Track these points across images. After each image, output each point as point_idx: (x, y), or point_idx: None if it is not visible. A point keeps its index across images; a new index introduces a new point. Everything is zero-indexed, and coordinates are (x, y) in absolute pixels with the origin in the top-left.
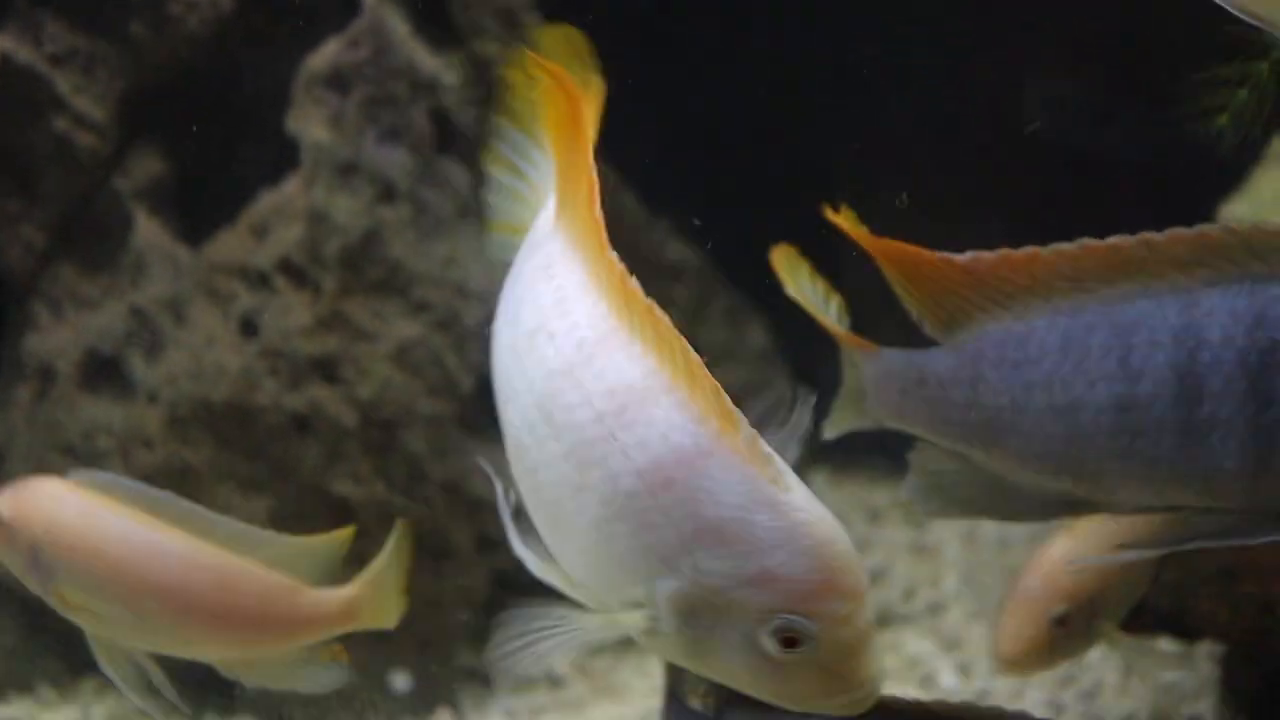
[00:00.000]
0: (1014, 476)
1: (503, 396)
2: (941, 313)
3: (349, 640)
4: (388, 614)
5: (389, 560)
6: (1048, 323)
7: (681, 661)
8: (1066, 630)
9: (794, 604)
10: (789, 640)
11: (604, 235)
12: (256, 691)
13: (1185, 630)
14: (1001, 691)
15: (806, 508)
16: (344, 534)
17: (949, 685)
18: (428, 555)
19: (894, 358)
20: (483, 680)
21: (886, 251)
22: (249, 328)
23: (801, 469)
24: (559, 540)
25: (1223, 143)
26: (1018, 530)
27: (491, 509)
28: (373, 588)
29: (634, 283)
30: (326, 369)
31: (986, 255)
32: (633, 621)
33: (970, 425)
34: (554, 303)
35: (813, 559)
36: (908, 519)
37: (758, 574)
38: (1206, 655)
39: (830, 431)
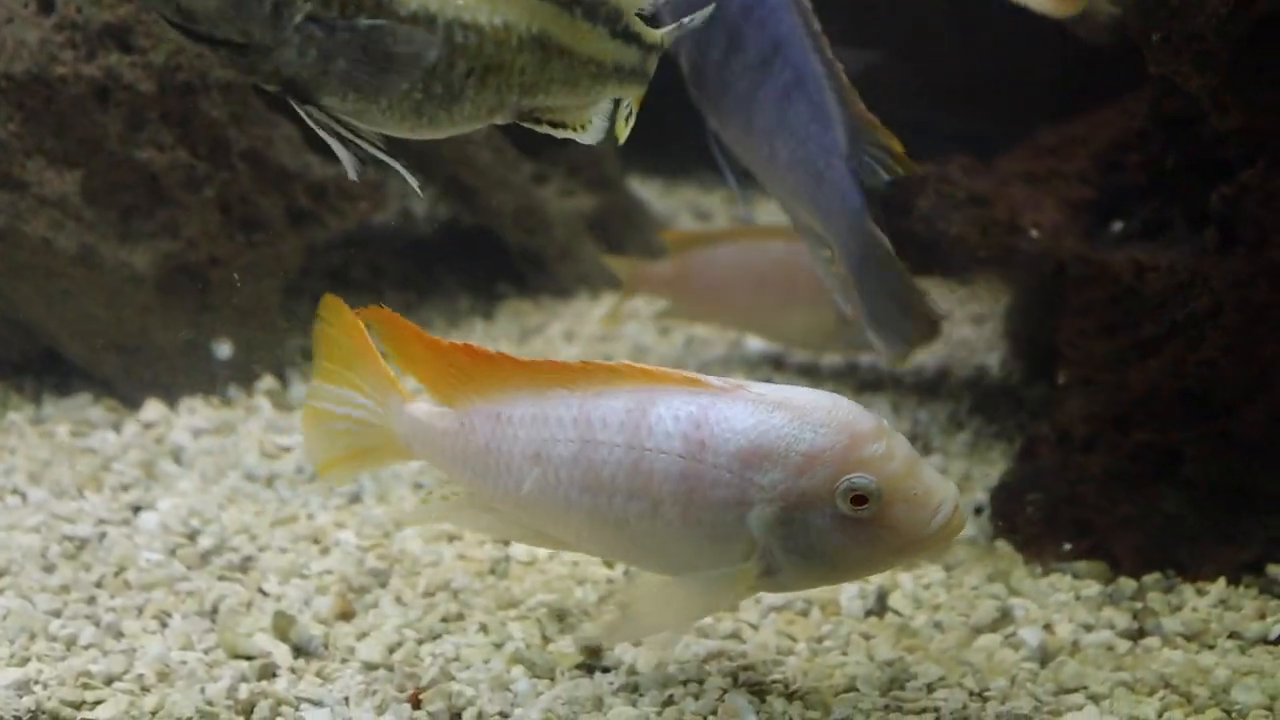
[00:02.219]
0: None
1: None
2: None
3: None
4: None
5: None
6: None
7: (805, 584)
8: None
9: (843, 467)
10: (858, 498)
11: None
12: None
13: (941, 257)
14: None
15: (801, 395)
16: None
17: (753, 347)
18: (238, 225)
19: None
20: (307, 354)
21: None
22: (47, 3)
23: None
24: (671, 562)
25: None
26: None
27: (298, 179)
28: None
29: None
30: (121, 37)
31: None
32: (752, 571)
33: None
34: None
35: (830, 426)
36: (733, 219)
37: (802, 462)
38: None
39: None
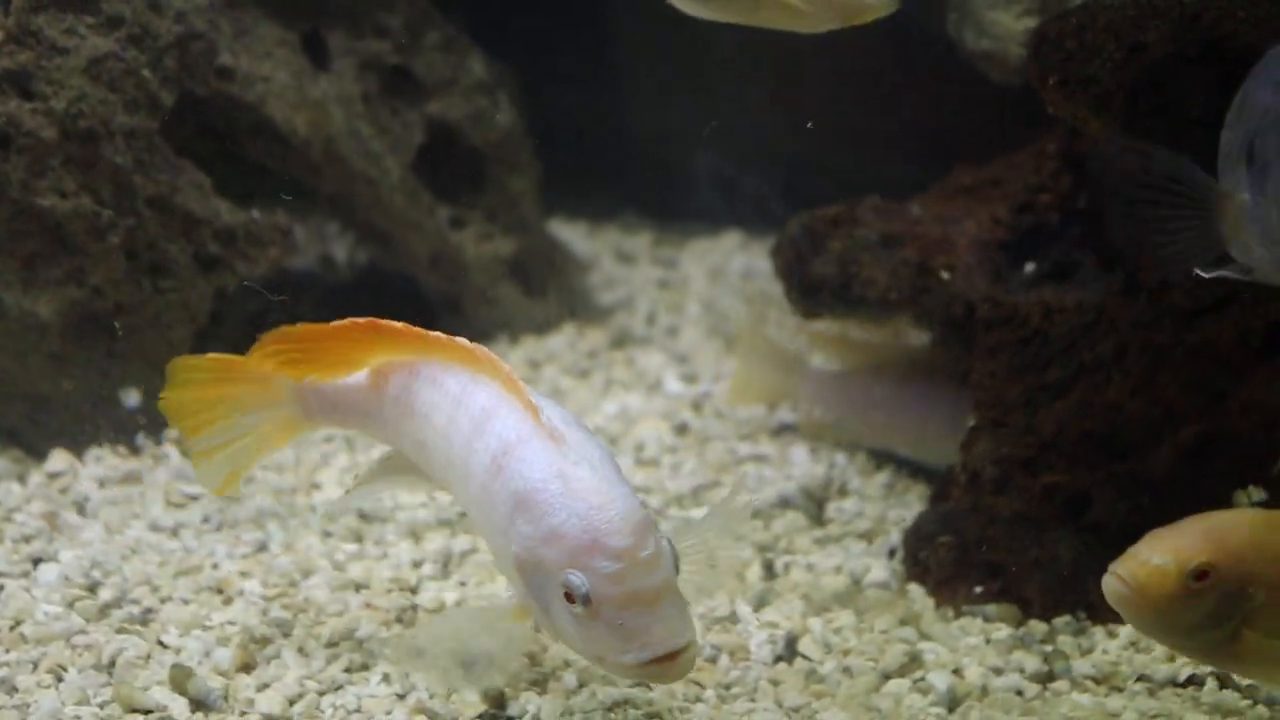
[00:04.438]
0: None
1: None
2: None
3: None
4: None
5: None
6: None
7: (547, 633)
8: None
9: (570, 559)
10: (570, 595)
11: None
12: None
13: (856, 298)
14: (722, 393)
15: (590, 479)
16: None
17: (672, 390)
18: (145, 272)
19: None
20: None
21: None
22: None
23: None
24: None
25: None
26: (761, 263)
27: (206, 225)
28: None
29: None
30: (21, 83)
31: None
32: (517, 608)
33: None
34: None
35: (584, 519)
36: (656, 262)
37: (548, 533)
38: None
39: None
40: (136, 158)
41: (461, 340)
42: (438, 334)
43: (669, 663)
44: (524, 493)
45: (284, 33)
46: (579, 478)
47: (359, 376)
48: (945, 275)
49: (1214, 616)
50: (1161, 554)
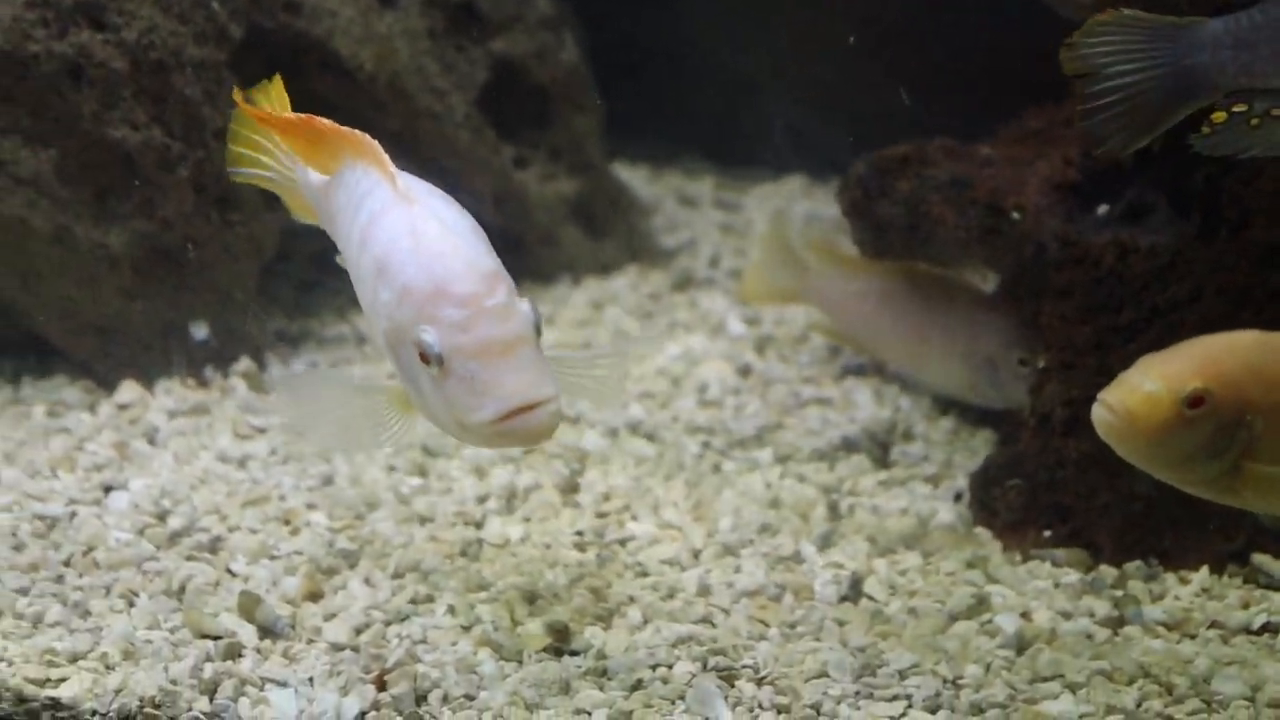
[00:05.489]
0: None
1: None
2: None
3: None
4: None
5: None
6: None
7: (425, 417)
8: None
9: (419, 314)
10: (423, 355)
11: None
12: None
13: (924, 240)
14: (784, 336)
15: (437, 232)
16: None
17: (735, 332)
18: (214, 206)
19: None
20: (286, 338)
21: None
22: None
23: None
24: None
25: None
26: (826, 210)
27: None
28: None
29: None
30: (93, 14)
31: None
32: (393, 388)
33: None
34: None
35: (428, 270)
36: (719, 205)
37: (400, 292)
38: None
39: None
40: (206, 90)
41: (345, 130)
42: (326, 124)
43: (525, 416)
44: (380, 257)
45: None
46: (426, 232)
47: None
48: (1016, 216)
49: (1211, 447)
50: (1153, 380)
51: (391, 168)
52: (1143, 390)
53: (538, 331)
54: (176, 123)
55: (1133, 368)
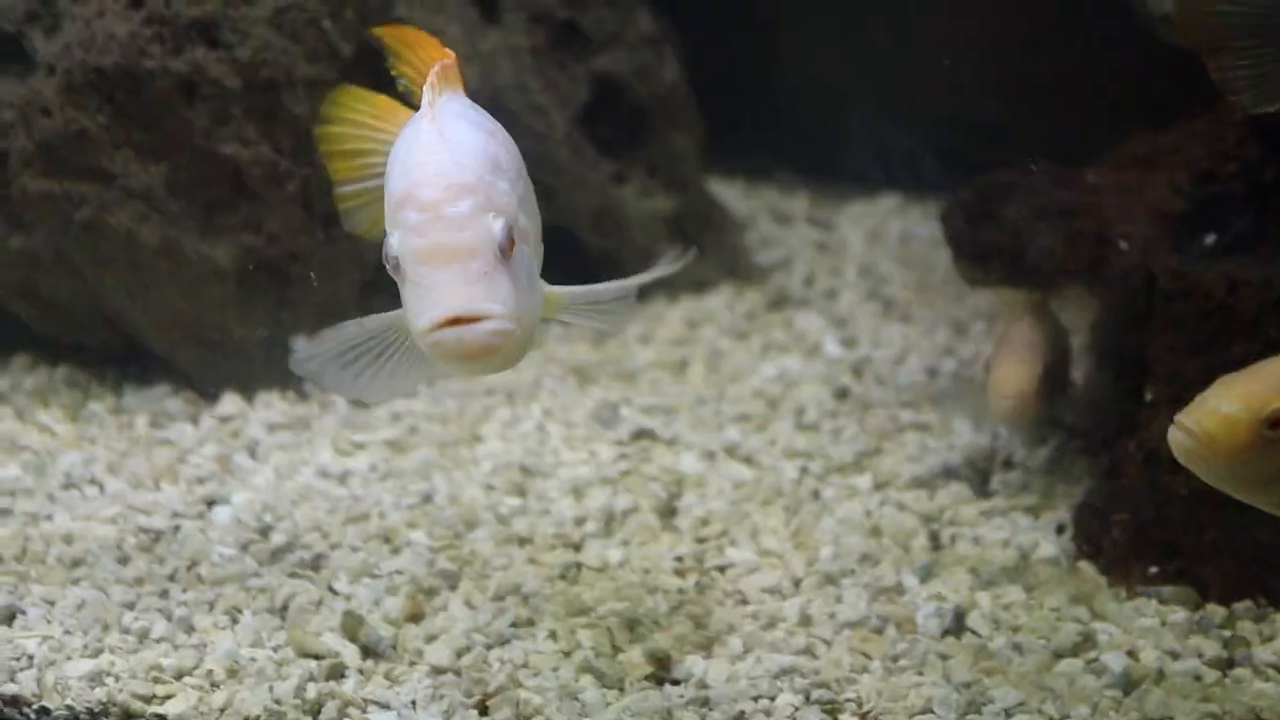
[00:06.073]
0: None
1: None
2: None
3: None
4: None
5: None
6: None
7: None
8: None
9: (392, 220)
10: (392, 260)
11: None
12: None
13: (1028, 268)
14: (882, 358)
15: (431, 142)
16: None
17: (832, 354)
18: (318, 221)
19: None
20: None
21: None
22: None
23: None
24: None
25: None
26: (921, 229)
27: None
28: None
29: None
30: (208, 32)
31: None
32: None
33: None
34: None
35: (407, 175)
36: (813, 223)
37: (389, 200)
38: None
39: None
40: (316, 108)
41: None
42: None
43: (464, 329)
44: (389, 169)
45: None
46: (421, 145)
47: None
48: (1124, 245)
49: None
50: (1232, 401)
51: (441, 93)
52: (1221, 412)
53: (503, 252)
54: (285, 139)
55: (1210, 389)
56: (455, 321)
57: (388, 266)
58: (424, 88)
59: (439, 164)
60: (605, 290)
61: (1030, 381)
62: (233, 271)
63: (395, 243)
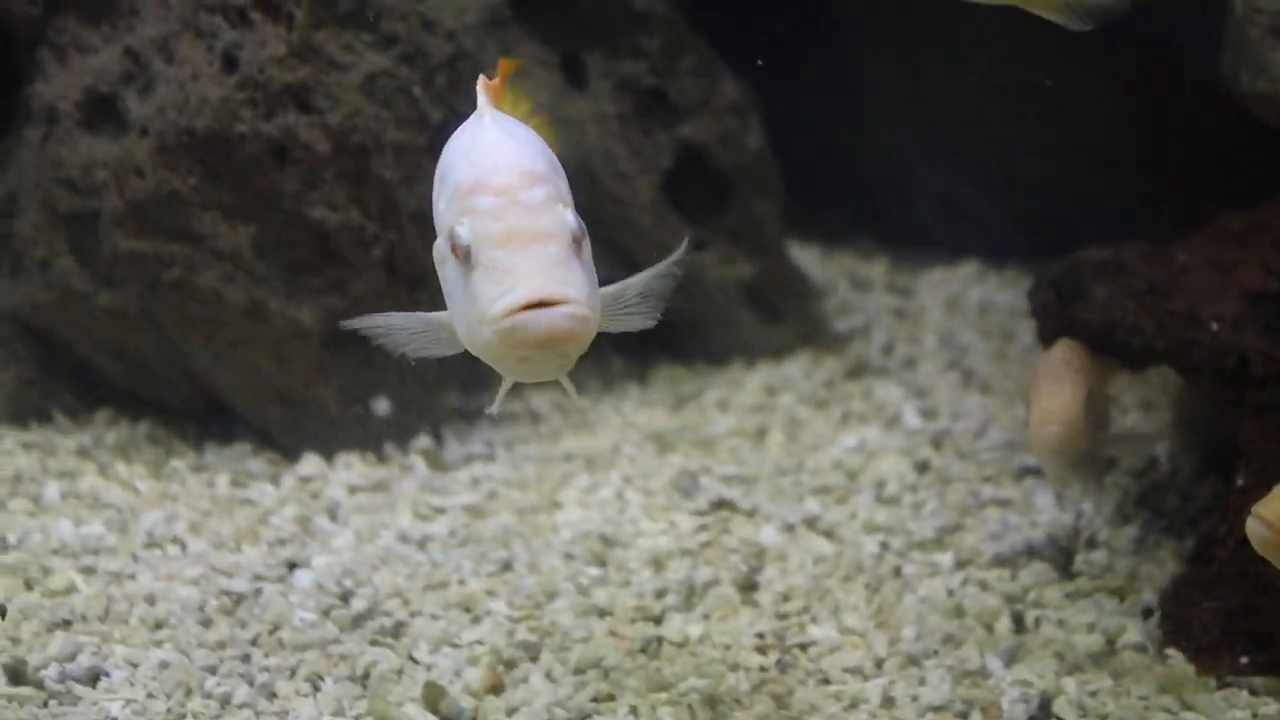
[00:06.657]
0: None
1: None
2: None
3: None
4: None
5: None
6: None
7: (463, 339)
8: None
9: (460, 209)
10: (455, 248)
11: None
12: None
13: (1115, 345)
14: (962, 431)
15: (496, 137)
16: None
17: (912, 425)
18: (403, 285)
19: None
20: (463, 414)
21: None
22: (231, 62)
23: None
24: None
25: None
26: (1000, 297)
27: None
28: None
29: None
30: (300, 97)
31: None
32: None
33: None
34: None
35: (474, 166)
36: (891, 290)
37: (449, 196)
38: None
39: None
40: (404, 173)
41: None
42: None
43: (540, 313)
44: (443, 169)
45: (545, 52)
46: (484, 139)
47: None
48: (1215, 326)
49: None
50: None
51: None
52: None
53: (576, 243)
54: (373, 204)
55: None
56: (532, 307)
57: (442, 267)
58: (477, 96)
59: (508, 153)
60: (631, 285)
61: (1074, 407)
62: (317, 333)
63: (465, 231)
